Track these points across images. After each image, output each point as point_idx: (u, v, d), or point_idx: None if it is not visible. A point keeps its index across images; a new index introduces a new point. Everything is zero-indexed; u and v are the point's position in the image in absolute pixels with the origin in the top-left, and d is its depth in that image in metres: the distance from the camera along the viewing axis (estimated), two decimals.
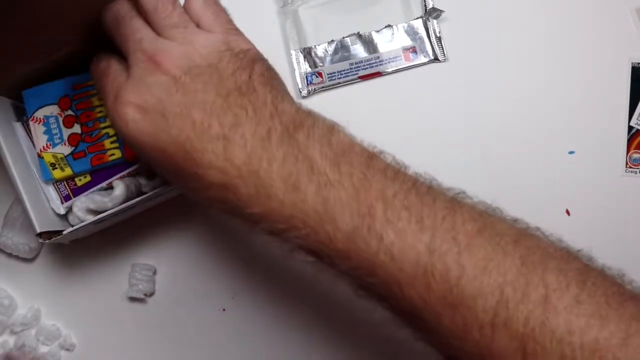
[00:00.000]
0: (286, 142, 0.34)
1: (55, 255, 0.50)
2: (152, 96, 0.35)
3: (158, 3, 0.38)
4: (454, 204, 0.33)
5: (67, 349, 0.50)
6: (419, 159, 0.51)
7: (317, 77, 0.51)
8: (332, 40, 0.51)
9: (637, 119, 0.51)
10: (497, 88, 0.51)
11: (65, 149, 0.44)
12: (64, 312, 0.50)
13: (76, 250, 0.50)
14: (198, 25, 0.38)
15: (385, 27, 0.52)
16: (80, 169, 0.44)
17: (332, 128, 0.35)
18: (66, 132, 0.44)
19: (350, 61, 0.51)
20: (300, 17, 0.52)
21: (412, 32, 0.52)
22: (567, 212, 0.51)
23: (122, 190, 0.44)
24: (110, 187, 0.45)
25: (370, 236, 0.32)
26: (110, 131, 0.45)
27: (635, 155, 0.51)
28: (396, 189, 0.33)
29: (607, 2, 0.52)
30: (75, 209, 0.45)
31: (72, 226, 0.45)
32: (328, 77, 0.51)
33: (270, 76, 0.37)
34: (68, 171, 0.44)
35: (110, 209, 0.44)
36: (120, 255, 0.50)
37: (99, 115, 0.45)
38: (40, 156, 0.44)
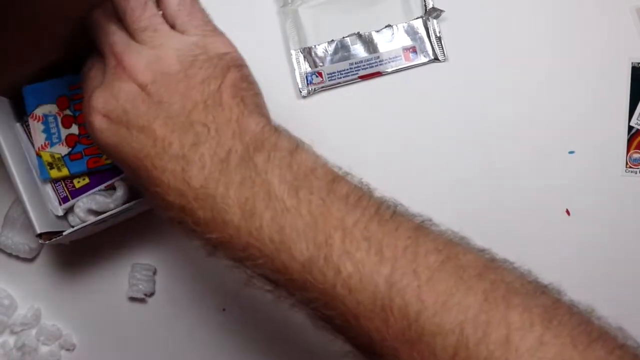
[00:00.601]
0: (244, 166, 0.32)
1: (55, 255, 0.50)
2: (118, 105, 0.34)
3: (127, 6, 0.37)
4: (418, 232, 0.32)
5: (67, 349, 0.50)
6: (418, 159, 0.51)
7: (317, 77, 0.51)
8: (332, 40, 0.51)
9: (637, 119, 0.51)
10: (497, 88, 0.51)
11: (62, 149, 0.44)
12: (64, 312, 0.50)
13: (76, 250, 0.50)
14: (173, 27, 0.37)
15: (385, 27, 0.52)
16: (77, 170, 0.44)
17: (294, 149, 0.34)
18: (64, 132, 0.44)
19: (350, 61, 0.51)
20: (300, 17, 0.52)
21: (412, 32, 0.52)
22: (567, 212, 0.51)
23: (124, 191, 0.44)
24: (108, 189, 0.45)
25: (327, 267, 0.30)
26: None
27: (635, 155, 0.51)
28: (357, 217, 0.31)
29: (607, 2, 0.52)
30: (77, 210, 0.45)
31: (73, 227, 0.45)
32: (328, 77, 0.51)
33: (243, 87, 0.35)
34: (65, 171, 0.44)
35: (112, 210, 0.44)
36: (120, 255, 0.50)
37: None
38: (38, 155, 0.44)
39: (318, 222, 0.31)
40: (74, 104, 0.44)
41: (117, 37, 0.36)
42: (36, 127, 0.44)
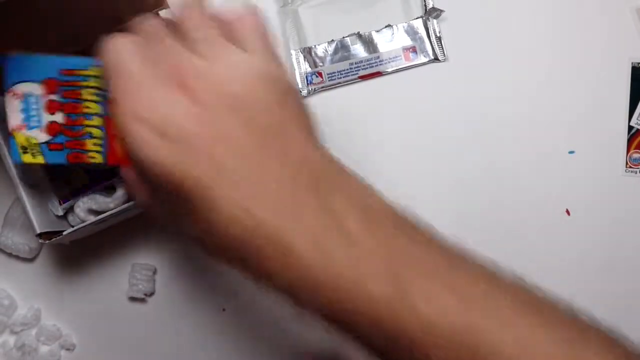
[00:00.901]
0: (314, 197, 0.31)
1: (55, 255, 0.50)
2: (171, 120, 0.31)
3: (184, 14, 0.34)
4: (492, 276, 0.31)
5: (67, 349, 0.50)
6: (418, 159, 0.51)
7: (317, 77, 0.51)
8: (332, 40, 0.51)
9: (637, 119, 0.51)
10: (497, 88, 0.51)
11: (41, 136, 0.40)
12: (64, 312, 0.50)
13: (76, 250, 0.50)
14: (233, 42, 0.34)
15: (385, 27, 0.52)
16: (54, 160, 0.40)
17: (365, 187, 0.33)
18: (46, 118, 0.40)
19: (350, 61, 0.51)
20: (300, 17, 0.52)
21: (412, 32, 0.52)
22: (567, 212, 0.51)
23: (124, 191, 0.44)
24: (108, 188, 0.45)
25: (404, 306, 0.29)
26: (94, 131, 0.40)
27: (635, 155, 0.51)
28: (431, 258, 0.31)
29: (607, 2, 0.52)
30: (77, 210, 0.45)
31: (72, 226, 0.45)
32: (328, 77, 0.51)
33: (301, 113, 0.34)
34: (40, 159, 0.40)
35: (112, 209, 0.44)
36: (120, 255, 0.50)
37: (86, 111, 0.40)
38: (11, 135, 0.40)
39: (393, 261, 0.30)
40: (64, 90, 0.40)
41: (170, 45, 0.34)
42: (14, 104, 0.40)
